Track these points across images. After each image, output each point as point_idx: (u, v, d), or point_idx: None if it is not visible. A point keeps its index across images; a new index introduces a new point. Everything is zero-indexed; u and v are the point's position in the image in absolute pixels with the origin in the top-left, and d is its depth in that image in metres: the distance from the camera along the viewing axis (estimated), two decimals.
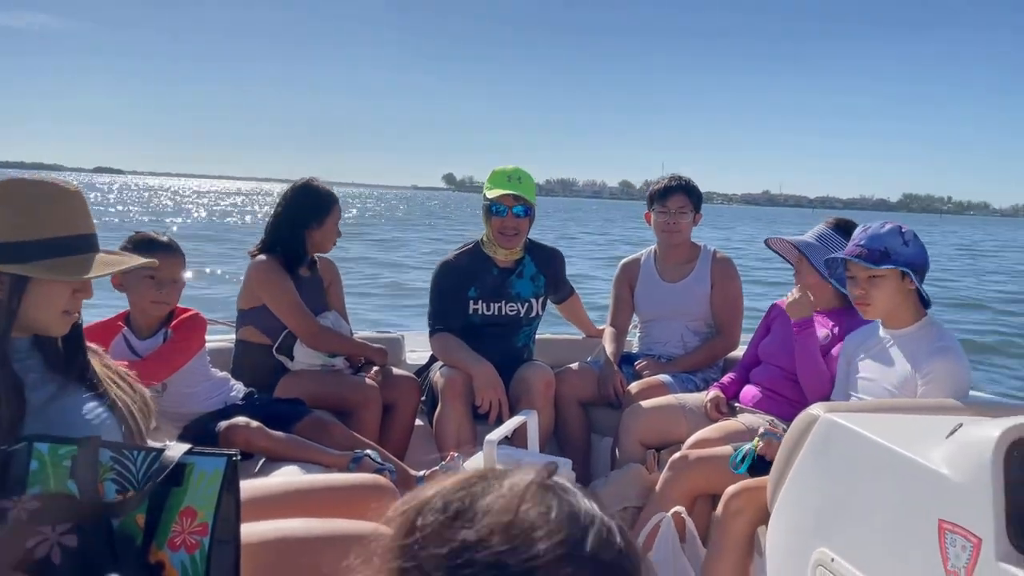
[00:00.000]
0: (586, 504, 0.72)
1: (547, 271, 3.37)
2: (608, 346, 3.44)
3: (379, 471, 2.48)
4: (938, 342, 2.29)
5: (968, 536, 1.42)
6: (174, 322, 2.60)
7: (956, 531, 1.45)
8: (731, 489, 2.32)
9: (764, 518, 2.19)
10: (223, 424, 2.56)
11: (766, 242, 3.04)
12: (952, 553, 1.45)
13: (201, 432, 2.56)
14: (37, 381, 1.47)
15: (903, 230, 2.38)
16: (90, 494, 1.33)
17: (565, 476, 2.50)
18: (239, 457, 1.41)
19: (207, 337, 2.83)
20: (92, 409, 1.51)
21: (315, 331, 3.02)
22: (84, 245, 1.49)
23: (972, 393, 2.31)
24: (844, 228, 2.81)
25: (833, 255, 2.55)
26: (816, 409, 1.95)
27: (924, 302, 2.37)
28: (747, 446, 2.46)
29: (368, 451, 2.60)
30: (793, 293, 2.81)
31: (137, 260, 1.63)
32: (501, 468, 0.76)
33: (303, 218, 3.09)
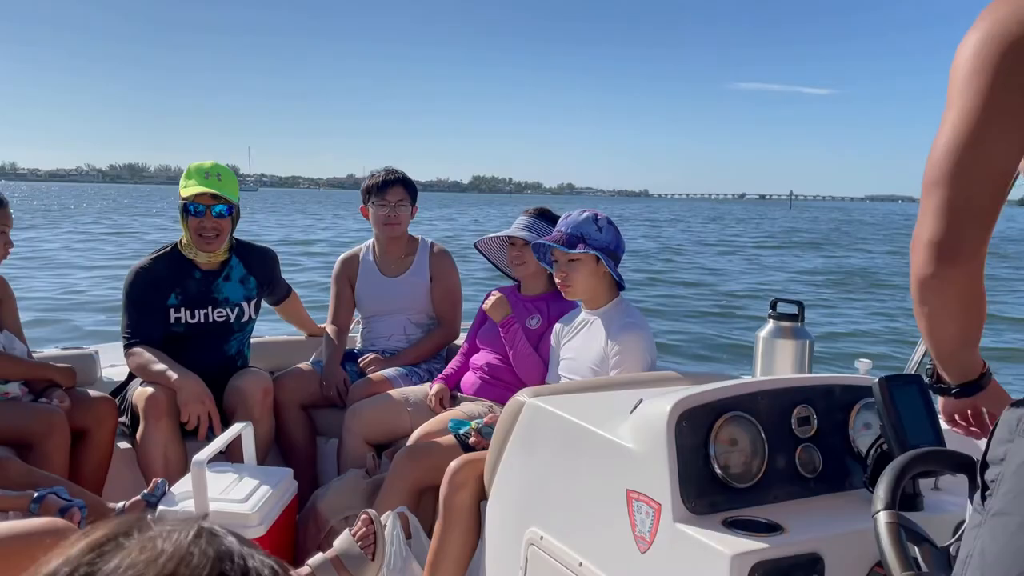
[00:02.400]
0: (241, 550, 0.66)
1: (258, 272, 3.20)
2: (330, 345, 3.37)
3: (66, 509, 2.20)
4: (626, 318, 2.50)
5: (650, 502, 1.55)
6: None
7: (641, 499, 1.58)
8: (454, 464, 2.34)
9: (486, 493, 2.25)
10: None
11: (475, 245, 3.15)
12: (639, 519, 1.58)
13: None
14: None
15: (598, 217, 2.57)
16: None
17: (285, 483, 2.35)
18: None
19: None
20: None
21: None
22: None
23: (659, 363, 2.55)
24: (546, 216, 2.99)
25: (539, 241, 2.69)
26: (523, 395, 2.04)
27: (619, 284, 2.57)
28: (470, 424, 2.56)
29: (53, 488, 2.30)
30: (490, 299, 2.95)
31: None
32: (149, 519, 0.67)
33: None
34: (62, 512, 2.22)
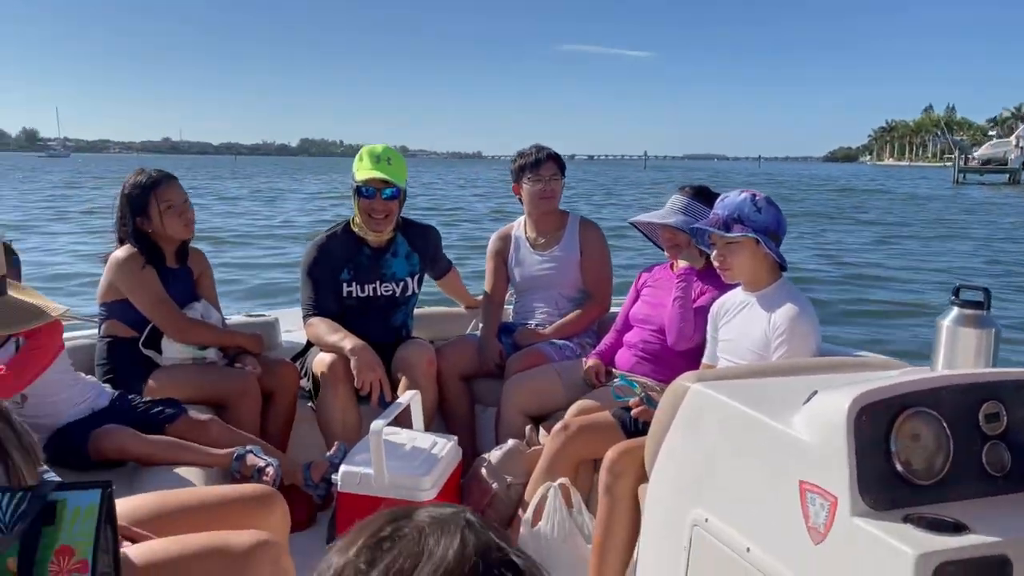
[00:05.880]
0: (499, 543, 0.73)
1: (421, 248, 3.36)
2: (486, 317, 3.49)
3: (262, 468, 2.44)
4: (789, 301, 2.45)
5: (825, 495, 1.55)
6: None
7: (815, 491, 1.58)
8: (611, 454, 2.38)
9: (644, 476, 2.29)
10: (94, 433, 2.44)
11: (632, 223, 3.15)
12: (812, 511, 1.58)
13: (66, 444, 2.42)
14: None
15: (756, 198, 2.51)
16: None
17: (451, 450, 2.52)
18: (113, 488, 1.35)
19: (65, 335, 2.66)
20: None
21: (181, 325, 2.90)
22: None
23: (824, 345, 2.50)
24: (703, 194, 2.95)
25: (695, 226, 2.67)
26: (686, 380, 2.05)
27: (781, 265, 2.52)
28: (637, 385, 2.61)
29: (250, 447, 2.54)
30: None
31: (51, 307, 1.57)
32: (399, 515, 0.75)
33: (129, 212, 2.95)
34: (259, 471, 2.46)
